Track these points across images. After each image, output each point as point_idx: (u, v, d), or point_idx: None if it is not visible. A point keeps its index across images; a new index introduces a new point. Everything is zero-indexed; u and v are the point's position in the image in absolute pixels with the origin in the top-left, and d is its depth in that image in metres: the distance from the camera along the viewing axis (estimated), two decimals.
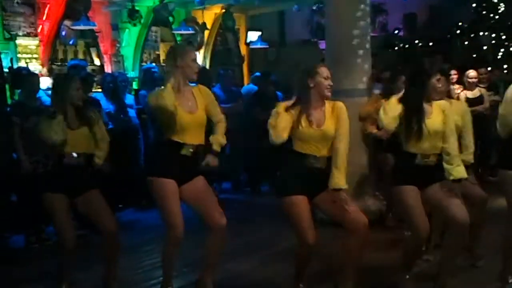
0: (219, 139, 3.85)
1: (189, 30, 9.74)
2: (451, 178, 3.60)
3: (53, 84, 4.25)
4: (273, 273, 4.54)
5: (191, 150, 3.71)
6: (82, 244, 4.46)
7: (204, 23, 10.15)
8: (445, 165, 3.61)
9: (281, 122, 3.50)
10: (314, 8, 11.01)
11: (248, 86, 9.11)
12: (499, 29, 9.12)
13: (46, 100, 5.89)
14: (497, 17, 9.30)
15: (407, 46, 9.73)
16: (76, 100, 3.97)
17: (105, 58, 8.81)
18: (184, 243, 3.88)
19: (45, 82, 7.14)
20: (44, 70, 7.76)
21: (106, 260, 4.08)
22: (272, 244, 5.24)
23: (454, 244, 3.68)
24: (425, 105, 3.66)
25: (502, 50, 9.09)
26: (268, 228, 5.71)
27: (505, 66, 8.82)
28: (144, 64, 9.20)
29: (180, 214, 3.73)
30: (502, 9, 9.33)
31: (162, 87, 3.65)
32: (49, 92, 6.76)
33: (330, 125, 3.56)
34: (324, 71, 3.59)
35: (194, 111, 3.72)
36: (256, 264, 4.79)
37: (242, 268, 4.69)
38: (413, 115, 3.61)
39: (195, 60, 3.76)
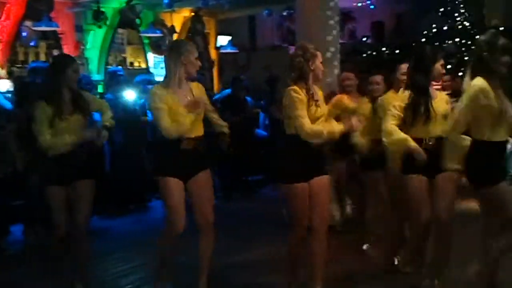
0: (223, 124, 4.07)
1: (157, 33, 9.58)
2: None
3: (51, 64, 4.21)
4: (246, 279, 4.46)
5: (192, 143, 3.72)
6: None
7: (172, 26, 9.99)
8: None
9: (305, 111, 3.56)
10: (285, 13, 10.98)
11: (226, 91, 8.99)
12: (462, 37, 9.24)
13: (5, 103, 5.68)
14: (460, 25, 9.42)
15: (374, 53, 9.76)
16: (73, 82, 3.89)
17: None
18: None
19: (4, 85, 6.90)
20: (3, 72, 7.52)
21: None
22: (246, 250, 5.15)
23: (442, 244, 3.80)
24: (430, 89, 3.81)
25: (466, 58, 9.22)
26: (240, 234, 5.61)
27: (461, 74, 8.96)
28: (109, 67, 9.00)
29: (181, 211, 3.74)
30: (465, 17, 9.45)
31: (160, 83, 3.74)
32: (8, 95, 6.60)
33: (324, 106, 3.78)
34: (320, 55, 3.74)
35: None
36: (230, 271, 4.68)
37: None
38: (420, 98, 3.72)
39: (197, 57, 3.79)
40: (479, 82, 3.39)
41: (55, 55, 6.25)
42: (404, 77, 4.04)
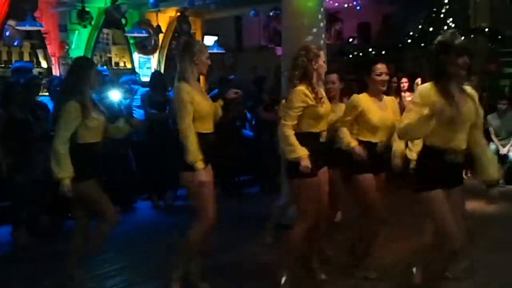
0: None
1: (142, 33, 9.50)
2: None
3: (76, 65, 4.22)
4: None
5: (211, 136, 3.90)
6: None
7: (158, 26, 9.92)
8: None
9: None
10: (271, 14, 10.96)
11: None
12: None
13: None
14: (445, 27, 9.47)
15: (361, 54, 9.79)
16: (95, 84, 4.13)
17: (53, 60, 8.48)
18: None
19: None
20: None
21: None
22: (233, 250, 5.14)
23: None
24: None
25: None
26: (228, 235, 5.56)
27: None
28: None
29: (212, 203, 3.93)
30: (451, 19, 9.51)
31: (182, 82, 3.78)
32: None
33: (328, 103, 4.04)
34: (322, 55, 4.02)
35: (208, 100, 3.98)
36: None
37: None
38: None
39: (208, 57, 3.95)
40: (424, 87, 3.26)
41: (77, 57, 6.20)
42: (380, 78, 4.07)
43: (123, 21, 9.31)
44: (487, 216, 5.06)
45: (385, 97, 4.20)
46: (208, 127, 3.85)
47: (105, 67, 8.80)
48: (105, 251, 5.28)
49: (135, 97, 7.61)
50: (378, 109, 4.05)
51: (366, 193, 4.00)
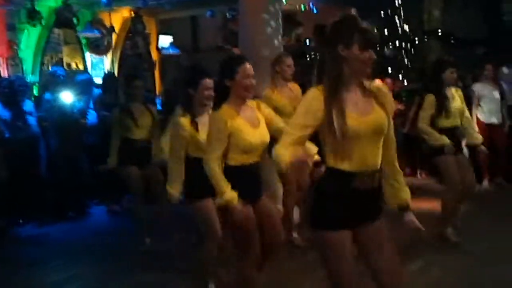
0: None
1: (95, 32, 9.29)
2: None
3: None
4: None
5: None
6: None
7: (111, 26, 9.72)
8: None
9: None
10: (228, 15, 10.89)
11: None
12: (402, 42, 9.46)
13: None
14: (400, 30, 9.63)
15: (318, 56, 9.85)
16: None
17: (0, 61, 8.17)
18: None
19: None
20: None
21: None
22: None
23: None
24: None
25: (405, 61, 9.46)
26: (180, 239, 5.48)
27: (408, 77, 9.16)
28: (45, 68, 8.65)
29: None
30: (405, 22, 9.67)
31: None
32: None
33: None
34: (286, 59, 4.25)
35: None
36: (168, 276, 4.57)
37: (156, 280, 4.50)
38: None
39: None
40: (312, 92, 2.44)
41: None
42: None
43: (75, 20, 9.07)
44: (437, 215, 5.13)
45: None
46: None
47: (61, 67, 8.59)
48: (57, 258, 5.24)
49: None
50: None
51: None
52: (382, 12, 9.52)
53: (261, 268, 3.38)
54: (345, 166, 2.38)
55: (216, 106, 3.26)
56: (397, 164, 2.54)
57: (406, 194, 2.54)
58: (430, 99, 4.86)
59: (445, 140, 4.79)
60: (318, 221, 2.44)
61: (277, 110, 4.81)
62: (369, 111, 2.39)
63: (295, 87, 5.10)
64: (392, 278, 2.45)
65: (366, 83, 2.45)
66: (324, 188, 2.42)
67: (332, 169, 2.40)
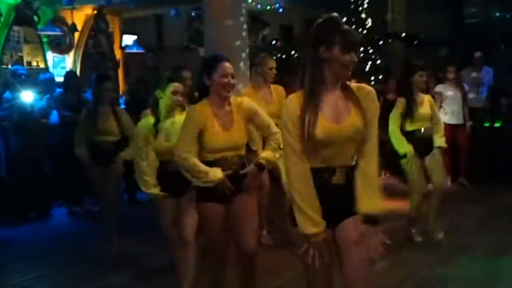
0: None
1: (56, 31, 9.06)
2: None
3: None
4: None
5: None
6: None
7: (73, 24, 9.48)
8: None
9: None
10: (193, 14, 10.80)
11: None
12: (367, 43, 9.54)
13: None
14: (365, 31, 9.71)
15: (284, 56, 9.85)
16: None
17: None
18: None
19: None
20: None
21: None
22: (156, 254, 4.94)
23: None
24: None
25: (369, 63, 9.53)
26: (149, 240, 5.38)
27: (372, 78, 9.24)
28: (5, 66, 8.41)
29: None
30: (369, 24, 9.76)
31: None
32: None
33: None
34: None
35: None
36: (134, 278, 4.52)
37: (121, 282, 4.45)
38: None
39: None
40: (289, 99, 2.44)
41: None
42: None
43: (36, 18, 8.83)
44: (405, 215, 5.19)
45: None
46: None
47: (23, 66, 8.37)
48: (19, 261, 5.15)
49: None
50: None
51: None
52: (346, 14, 9.61)
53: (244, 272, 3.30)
54: (312, 163, 2.35)
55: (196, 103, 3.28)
56: (372, 165, 2.37)
57: (374, 204, 2.35)
58: (401, 102, 4.92)
59: (408, 149, 4.85)
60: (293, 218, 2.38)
61: None
62: (345, 117, 2.35)
63: (278, 89, 5.08)
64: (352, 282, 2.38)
65: (347, 84, 2.42)
66: None
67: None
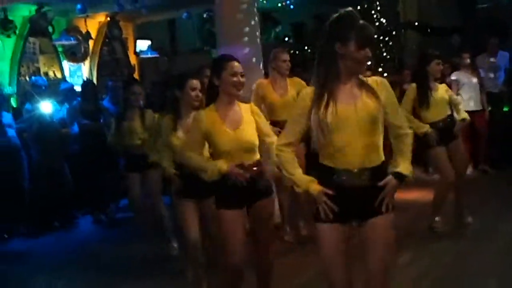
0: None
1: (71, 40, 9.18)
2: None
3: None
4: None
5: None
6: None
7: (88, 32, 9.59)
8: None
9: None
10: (205, 16, 10.83)
11: None
12: (380, 35, 9.49)
13: None
14: (377, 23, 9.66)
15: (297, 52, 9.85)
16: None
17: None
18: None
19: None
20: None
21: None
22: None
23: None
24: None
25: (383, 54, 9.50)
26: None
27: (386, 69, 9.21)
28: (22, 78, 8.54)
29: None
30: (381, 16, 9.69)
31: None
32: None
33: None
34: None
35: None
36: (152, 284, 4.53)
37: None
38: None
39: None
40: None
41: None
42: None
43: (50, 29, 8.95)
44: (428, 205, 5.16)
45: None
46: None
47: (43, 77, 8.52)
48: (42, 271, 5.17)
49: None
50: None
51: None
52: (358, 6, 9.56)
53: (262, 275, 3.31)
54: (329, 162, 2.43)
55: (207, 106, 3.26)
56: (408, 136, 2.51)
57: (404, 168, 2.48)
58: (412, 87, 4.92)
59: (426, 127, 4.81)
60: (314, 215, 2.51)
61: (265, 103, 4.90)
62: (359, 100, 2.40)
63: (295, 81, 5.08)
64: (374, 281, 2.46)
65: (362, 78, 2.47)
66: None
67: (321, 165, 2.46)
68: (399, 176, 2.47)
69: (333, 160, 2.42)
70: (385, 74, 9.10)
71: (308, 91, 2.47)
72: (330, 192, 2.41)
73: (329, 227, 2.44)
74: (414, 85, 4.92)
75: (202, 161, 3.18)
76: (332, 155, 2.41)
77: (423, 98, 4.85)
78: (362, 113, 2.38)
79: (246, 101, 3.49)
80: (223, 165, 3.06)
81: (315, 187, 2.45)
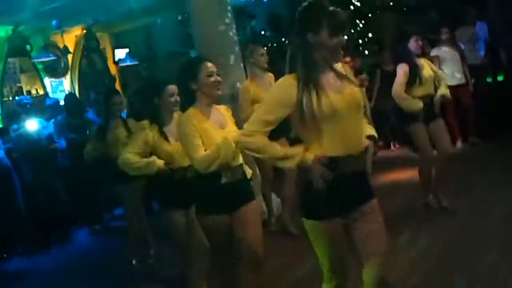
0: None
1: (50, 56, 9.14)
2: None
3: None
4: None
5: None
6: None
7: (65, 47, 9.55)
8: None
9: None
10: (180, 18, 10.80)
11: None
12: (357, 19, 9.53)
13: None
14: (352, 7, 9.68)
15: (275, 44, 9.84)
16: None
17: None
18: None
19: None
20: None
21: None
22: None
23: None
24: None
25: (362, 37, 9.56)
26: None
27: (366, 52, 9.25)
28: (6, 99, 8.49)
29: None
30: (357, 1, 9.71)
31: None
32: None
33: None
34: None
35: None
36: None
37: None
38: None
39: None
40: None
41: None
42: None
43: (28, 47, 8.90)
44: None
45: None
46: None
47: (28, 96, 8.48)
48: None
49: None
50: None
51: None
52: None
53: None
54: (331, 152, 2.36)
55: (184, 111, 3.18)
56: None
57: (373, 131, 2.57)
58: (405, 68, 4.86)
59: (420, 103, 4.79)
60: (308, 211, 2.43)
61: (255, 102, 4.89)
62: (344, 88, 2.39)
63: (272, 76, 5.12)
64: (373, 269, 2.43)
65: (336, 65, 2.45)
66: (309, 177, 2.39)
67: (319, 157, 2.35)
68: (373, 138, 2.56)
69: (334, 150, 2.36)
70: (366, 57, 9.14)
71: (291, 81, 2.36)
72: (324, 159, 2.34)
73: (330, 224, 2.38)
74: (406, 66, 4.86)
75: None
76: (332, 145, 2.36)
77: (415, 76, 4.84)
78: (351, 100, 2.37)
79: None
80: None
81: (309, 155, 2.36)
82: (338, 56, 2.38)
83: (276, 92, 2.46)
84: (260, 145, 2.42)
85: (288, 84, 2.38)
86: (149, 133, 3.73)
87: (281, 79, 2.44)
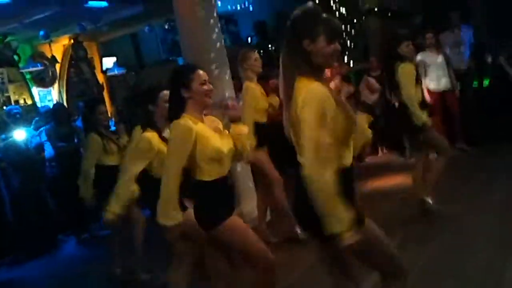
0: None
1: (38, 66, 9.14)
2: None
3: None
4: None
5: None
6: None
7: (53, 57, 9.55)
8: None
9: None
10: (166, 26, 10.83)
11: None
12: (342, 25, 9.59)
13: None
14: (337, 14, 9.74)
15: (261, 51, 9.89)
16: None
17: None
18: None
19: None
20: None
21: None
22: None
23: None
24: None
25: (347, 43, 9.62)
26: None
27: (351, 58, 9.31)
28: None
29: None
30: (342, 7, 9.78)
31: None
32: None
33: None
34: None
35: None
36: None
37: None
38: None
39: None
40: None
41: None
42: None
43: (16, 57, 8.90)
44: (410, 189, 5.20)
45: None
46: None
47: (17, 105, 8.46)
48: None
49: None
50: None
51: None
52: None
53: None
54: (346, 161, 2.31)
55: (174, 119, 3.02)
56: None
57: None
58: (412, 67, 4.84)
59: (425, 117, 4.78)
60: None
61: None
62: (341, 96, 2.40)
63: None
64: None
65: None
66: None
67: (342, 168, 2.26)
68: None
69: (345, 159, 2.31)
70: (352, 63, 9.19)
71: (321, 88, 2.23)
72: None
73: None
74: (409, 64, 4.85)
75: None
76: (343, 154, 2.30)
77: (417, 78, 4.86)
78: (348, 105, 2.33)
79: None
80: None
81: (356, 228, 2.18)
82: (334, 62, 2.36)
83: (315, 110, 2.19)
84: (332, 191, 2.13)
85: (322, 91, 2.23)
86: (152, 140, 3.61)
87: (307, 90, 2.23)
